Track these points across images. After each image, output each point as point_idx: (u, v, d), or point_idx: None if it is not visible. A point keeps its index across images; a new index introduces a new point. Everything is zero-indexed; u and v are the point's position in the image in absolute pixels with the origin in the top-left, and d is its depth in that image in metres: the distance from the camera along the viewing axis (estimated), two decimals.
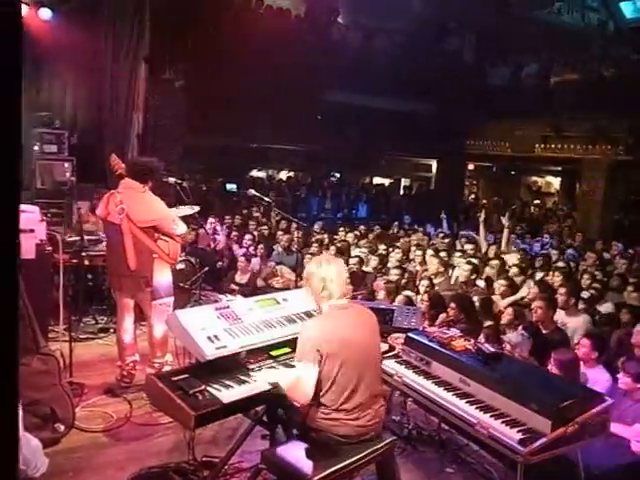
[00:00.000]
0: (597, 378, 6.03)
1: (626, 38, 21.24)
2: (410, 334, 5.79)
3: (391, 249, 12.48)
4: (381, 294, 8.87)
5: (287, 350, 4.82)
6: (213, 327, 4.57)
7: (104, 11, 12.48)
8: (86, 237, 8.25)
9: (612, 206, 19.81)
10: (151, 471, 5.11)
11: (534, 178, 29.51)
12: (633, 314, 8.02)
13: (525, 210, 23.18)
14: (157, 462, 5.25)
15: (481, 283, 9.83)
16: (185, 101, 14.48)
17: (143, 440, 5.77)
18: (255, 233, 13.68)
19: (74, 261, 8.20)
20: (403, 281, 9.79)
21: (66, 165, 11.50)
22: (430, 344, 5.48)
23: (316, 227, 15.03)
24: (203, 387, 4.14)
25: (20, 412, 4.04)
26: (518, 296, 8.90)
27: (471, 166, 27.88)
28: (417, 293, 8.96)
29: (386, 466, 4.40)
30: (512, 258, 11.98)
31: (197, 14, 13.68)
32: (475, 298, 8.53)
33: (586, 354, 6.13)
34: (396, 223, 17.60)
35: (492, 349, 5.22)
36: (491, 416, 4.47)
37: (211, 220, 13.40)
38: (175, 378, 4.24)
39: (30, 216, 6.80)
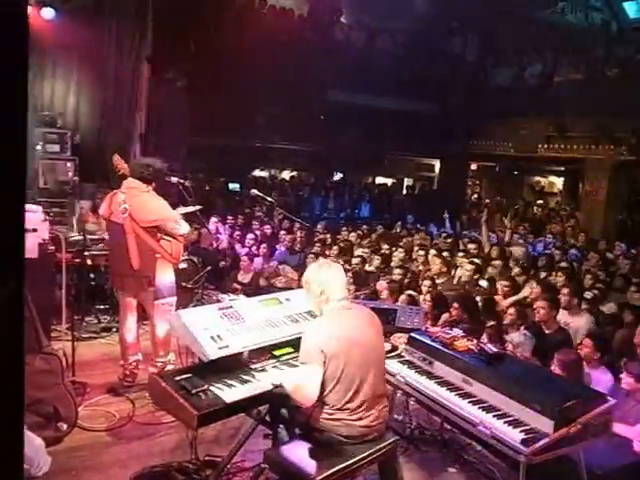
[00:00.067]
0: (599, 378, 6.03)
1: (629, 38, 21.18)
2: (413, 334, 5.80)
3: (394, 249, 12.46)
4: (384, 294, 8.87)
5: (290, 350, 4.83)
6: (216, 327, 4.58)
7: (106, 11, 12.47)
8: (88, 236, 8.27)
9: (615, 206, 19.76)
10: (154, 470, 5.12)
11: (537, 178, 29.46)
12: (636, 314, 8.00)
13: (528, 210, 23.12)
14: (160, 461, 5.25)
15: (484, 283, 9.82)
16: (188, 101, 14.48)
17: (146, 439, 5.77)
18: (258, 233, 13.69)
19: (77, 260, 8.21)
20: (406, 281, 9.77)
21: (69, 165, 11.50)
22: (433, 344, 5.49)
23: (319, 227, 15.03)
24: (206, 387, 4.14)
25: None
26: (520, 296, 8.89)
27: (474, 166, 27.83)
28: (420, 293, 8.95)
29: (389, 466, 4.41)
30: (518, 250, 11.99)
31: (200, 14, 13.69)
32: (478, 298, 8.53)
33: (588, 354, 6.13)
34: (399, 223, 17.58)
35: (495, 349, 5.22)
36: (494, 416, 4.48)
37: (214, 220, 13.41)
38: (178, 377, 4.24)
39: (33, 215, 6.80)
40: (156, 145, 13.14)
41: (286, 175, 26.31)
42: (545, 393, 4.53)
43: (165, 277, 6.67)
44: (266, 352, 4.80)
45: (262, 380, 4.35)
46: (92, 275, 9.35)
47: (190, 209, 7.64)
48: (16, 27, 1.65)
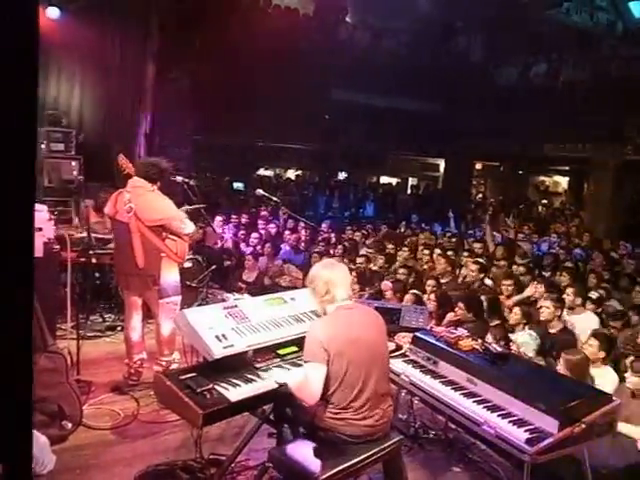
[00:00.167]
0: (603, 378, 6.02)
1: (635, 38, 21.16)
2: (417, 334, 5.80)
3: (398, 248, 12.46)
4: (388, 293, 8.87)
5: (295, 349, 4.83)
6: (221, 326, 4.58)
7: (111, 10, 12.49)
8: (93, 235, 8.27)
9: (620, 206, 19.74)
10: (158, 469, 5.12)
11: (542, 178, 29.44)
12: None
13: (532, 210, 23.11)
14: (164, 460, 5.26)
15: (489, 282, 9.81)
16: (192, 100, 14.49)
17: (150, 438, 5.78)
18: (262, 232, 13.69)
19: (81, 259, 8.21)
20: (410, 280, 9.77)
21: (73, 163, 11.51)
22: (437, 344, 5.49)
23: (323, 226, 15.01)
24: (211, 385, 4.15)
25: None
26: (524, 295, 8.88)
27: (479, 165, 27.83)
28: (424, 292, 8.94)
29: (393, 465, 4.41)
30: (524, 245, 11.99)
31: (205, 13, 13.69)
32: (482, 298, 8.52)
33: (593, 354, 6.12)
34: (403, 222, 17.56)
35: (499, 349, 5.23)
36: (498, 415, 4.48)
37: (218, 219, 13.41)
38: (183, 376, 4.25)
39: (38, 214, 6.79)
40: (161, 144, 13.17)
41: (291, 174, 26.31)
42: (550, 393, 4.54)
43: (170, 276, 6.68)
44: (271, 351, 4.80)
45: (267, 379, 4.36)
46: (97, 274, 9.36)
47: (195, 207, 7.65)
48: (28, 31, 1.66)
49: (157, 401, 5.68)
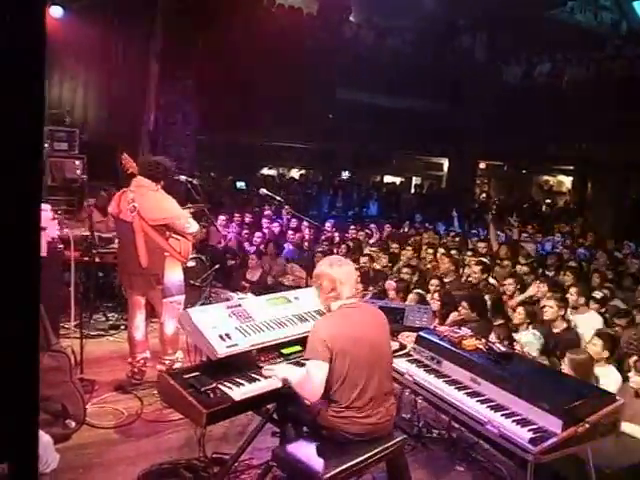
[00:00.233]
0: (607, 377, 6.02)
1: (639, 37, 21.16)
2: (421, 333, 5.80)
3: (402, 248, 12.45)
4: (392, 293, 8.87)
5: (298, 348, 4.83)
6: (225, 325, 4.59)
7: (115, 9, 12.50)
8: (96, 234, 8.28)
9: (624, 205, 19.73)
10: (161, 467, 5.12)
11: (546, 177, 29.43)
12: None
13: (536, 209, 23.09)
14: (167, 459, 5.26)
15: (492, 282, 9.81)
16: (196, 99, 14.49)
17: (154, 437, 5.78)
18: (266, 231, 13.69)
19: (85, 258, 8.22)
20: (414, 280, 9.77)
21: (77, 162, 11.52)
22: (441, 343, 5.49)
23: (327, 225, 15.00)
24: (214, 385, 4.16)
25: None
26: (526, 295, 8.86)
27: (482, 165, 27.80)
28: (428, 292, 8.94)
29: (396, 464, 4.41)
30: (527, 247, 11.97)
31: (208, 12, 13.68)
32: (486, 297, 8.52)
33: (597, 353, 6.11)
34: (407, 222, 17.55)
35: (503, 348, 5.23)
36: (502, 415, 4.47)
37: (222, 218, 13.41)
38: (187, 376, 4.27)
39: (42, 214, 6.80)
40: (164, 144, 13.17)
41: (295, 174, 26.30)
42: (553, 392, 4.53)
43: (174, 275, 6.69)
44: (274, 351, 4.81)
45: (270, 378, 4.36)
46: (100, 273, 9.37)
47: (198, 206, 7.65)
48: (35, 32, 1.66)
49: (161, 400, 5.69)
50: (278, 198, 8.53)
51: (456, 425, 6.05)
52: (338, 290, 4.23)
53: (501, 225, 15.64)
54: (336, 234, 14.06)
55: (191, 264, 8.81)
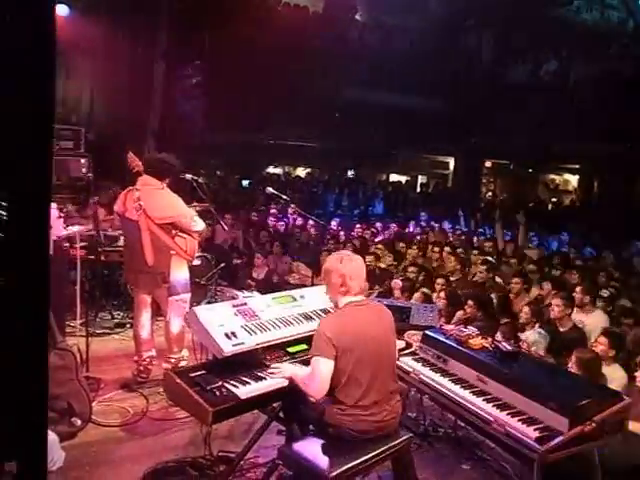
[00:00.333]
0: (613, 376, 6.00)
1: None
2: (427, 332, 5.79)
3: (408, 246, 12.43)
4: (398, 292, 8.86)
5: (304, 347, 4.82)
6: (231, 324, 4.59)
7: (121, 7, 12.50)
8: (101, 233, 8.29)
9: (630, 204, 19.68)
10: (167, 466, 5.13)
11: (552, 176, 29.39)
12: None
13: (542, 208, 23.06)
14: (173, 457, 5.27)
15: (498, 280, 9.79)
16: (202, 98, 14.50)
17: (159, 435, 5.78)
18: (271, 229, 13.70)
19: (91, 257, 8.23)
20: (420, 279, 9.75)
21: (82, 161, 11.51)
22: (447, 342, 5.48)
23: (333, 224, 15.01)
24: (220, 383, 4.16)
25: None
26: (531, 297, 8.85)
27: (488, 163, 27.80)
28: (434, 291, 8.93)
29: (402, 462, 4.40)
30: (532, 254, 11.95)
31: (215, 11, 13.70)
32: (492, 295, 8.51)
33: (603, 352, 6.10)
34: (413, 220, 17.53)
35: (509, 347, 5.21)
36: (508, 414, 4.46)
37: (227, 216, 13.42)
38: (193, 374, 4.27)
39: None
40: (170, 142, 13.18)
41: (301, 172, 26.31)
42: (560, 391, 4.53)
43: (180, 274, 6.68)
44: (280, 349, 4.81)
45: (276, 377, 4.35)
46: (106, 271, 9.37)
47: (203, 206, 7.65)
48: (45, 32, 1.66)
49: (166, 398, 5.68)
50: (284, 197, 8.54)
51: (462, 424, 6.04)
52: (348, 285, 4.22)
53: (507, 223, 15.62)
54: (342, 233, 14.05)
55: (196, 262, 8.81)
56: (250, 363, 4.52)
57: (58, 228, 7.13)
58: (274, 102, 17.68)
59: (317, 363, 4.01)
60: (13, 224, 1.80)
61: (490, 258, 10.76)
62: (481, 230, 16.85)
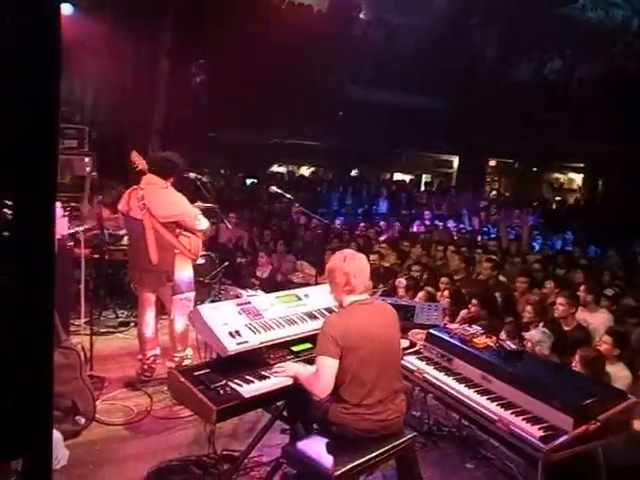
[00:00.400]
0: (617, 375, 6.00)
1: None
2: (431, 331, 5.79)
3: (412, 245, 12.42)
4: (402, 290, 8.85)
5: (308, 346, 4.83)
6: (235, 322, 4.60)
7: (125, 6, 12.51)
8: (106, 232, 8.30)
9: (635, 203, 19.63)
10: (171, 464, 5.13)
11: (556, 175, 29.34)
12: None
13: (547, 207, 23.02)
14: (177, 455, 5.27)
15: (502, 279, 9.78)
16: (206, 97, 14.50)
17: (163, 433, 5.79)
18: (275, 228, 13.70)
19: (95, 255, 8.24)
20: (424, 277, 9.75)
21: (86, 160, 11.53)
22: (451, 341, 5.48)
23: (337, 223, 15.00)
24: (224, 382, 4.16)
25: None
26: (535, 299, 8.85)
27: (492, 162, 27.76)
28: (438, 289, 8.92)
29: (406, 461, 4.40)
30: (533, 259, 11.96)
31: (218, 10, 13.69)
32: (497, 294, 8.50)
33: (608, 351, 6.09)
34: (417, 219, 17.52)
35: (514, 346, 5.21)
36: (512, 413, 4.46)
37: (231, 215, 13.42)
38: (197, 373, 4.28)
39: None
40: (174, 140, 13.18)
41: (305, 171, 26.31)
42: (564, 390, 4.52)
43: (184, 272, 6.69)
44: (284, 348, 4.81)
45: (280, 376, 4.36)
46: (110, 270, 9.38)
47: (207, 206, 7.65)
48: (51, 33, 1.67)
49: (170, 397, 5.67)
50: (288, 196, 8.53)
51: (466, 423, 6.03)
52: (352, 284, 4.21)
53: (511, 222, 15.62)
54: (345, 231, 14.04)
55: (201, 261, 8.81)
56: (254, 362, 4.52)
57: (62, 227, 7.14)
58: (278, 101, 17.68)
59: (322, 362, 4.01)
60: (18, 223, 1.80)
61: (494, 257, 10.74)
62: (485, 229, 16.83)
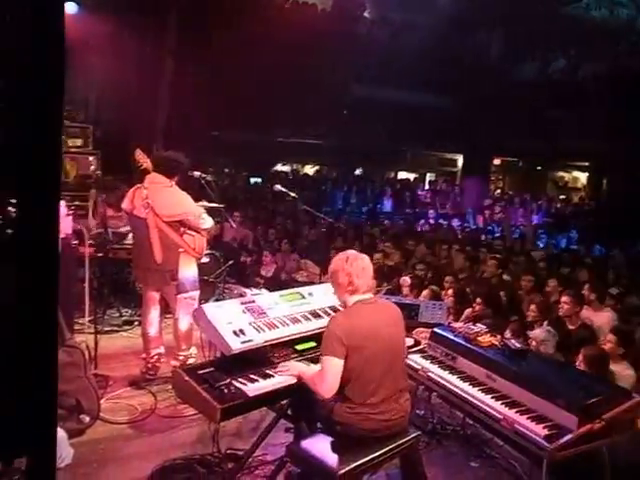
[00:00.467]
0: (622, 374, 5.99)
1: None
2: (436, 329, 5.78)
3: (416, 244, 12.42)
4: (406, 289, 8.85)
5: (313, 344, 4.83)
6: (239, 321, 4.59)
7: (129, 5, 12.51)
8: (110, 230, 8.31)
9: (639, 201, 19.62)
10: (175, 463, 5.13)
11: (560, 173, 29.35)
12: None
13: (551, 205, 23.01)
14: (181, 454, 5.27)
15: (507, 278, 9.78)
16: (210, 96, 14.50)
17: (167, 432, 5.79)
18: (279, 227, 13.70)
19: (99, 254, 8.25)
20: (428, 276, 9.74)
21: (91, 159, 11.54)
22: (456, 339, 5.48)
23: (341, 221, 15.00)
24: (229, 380, 4.16)
25: None
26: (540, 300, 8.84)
27: (497, 161, 27.73)
28: (442, 288, 8.92)
29: (411, 460, 4.40)
30: (537, 255, 11.95)
31: (222, 9, 13.69)
32: (501, 293, 8.49)
33: (612, 349, 6.09)
34: (421, 218, 17.53)
35: (518, 345, 5.20)
36: (517, 412, 4.45)
37: (236, 214, 13.42)
38: (201, 371, 4.27)
39: None
40: (178, 139, 13.18)
41: (309, 170, 26.32)
42: (569, 389, 4.51)
43: (188, 271, 6.68)
44: (289, 347, 4.81)
45: (284, 375, 4.35)
46: (114, 269, 9.38)
47: (212, 206, 7.65)
48: (55, 33, 1.67)
49: (175, 396, 5.67)
50: (292, 194, 8.53)
51: (470, 421, 6.03)
52: (355, 284, 4.21)
53: (516, 221, 15.62)
54: (350, 230, 14.03)
55: (205, 260, 8.81)
56: (258, 360, 4.52)
57: (66, 226, 7.15)
58: (282, 100, 17.67)
59: (327, 362, 4.00)
60: (22, 221, 1.80)
61: (499, 255, 10.74)
62: (490, 227, 16.83)
